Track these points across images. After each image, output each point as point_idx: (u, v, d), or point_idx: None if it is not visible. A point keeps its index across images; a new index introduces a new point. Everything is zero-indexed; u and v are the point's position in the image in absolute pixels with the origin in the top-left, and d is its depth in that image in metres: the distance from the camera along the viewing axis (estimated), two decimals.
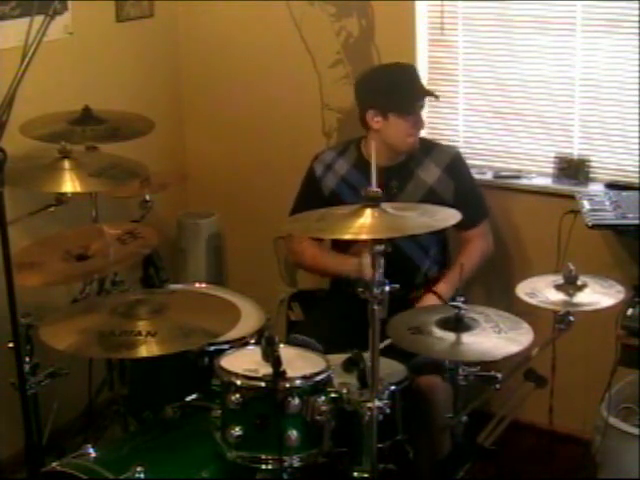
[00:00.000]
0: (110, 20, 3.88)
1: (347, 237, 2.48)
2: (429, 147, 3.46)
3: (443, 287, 3.30)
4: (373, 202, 2.47)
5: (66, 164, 2.95)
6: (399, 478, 2.77)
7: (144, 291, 2.96)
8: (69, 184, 2.92)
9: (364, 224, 2.44)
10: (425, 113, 3.76)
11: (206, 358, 2.79)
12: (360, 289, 2.47)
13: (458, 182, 3.41)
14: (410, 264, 3.36)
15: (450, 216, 2.63)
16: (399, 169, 3.38)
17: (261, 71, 4.07)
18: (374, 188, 2.50)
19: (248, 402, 2.53)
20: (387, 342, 2.68)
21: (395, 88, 3.33)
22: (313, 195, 3.44)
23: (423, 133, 3.74)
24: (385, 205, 2.51)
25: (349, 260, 3.27)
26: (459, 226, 3.23)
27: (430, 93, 3.39)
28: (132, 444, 2.78)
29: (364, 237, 2.47)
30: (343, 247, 3.40)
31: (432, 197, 3.31)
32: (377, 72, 3.47)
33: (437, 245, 3.42)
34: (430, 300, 3.26)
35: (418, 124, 3.35)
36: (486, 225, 3.48)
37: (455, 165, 3.43)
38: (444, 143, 3.62)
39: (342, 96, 3.81)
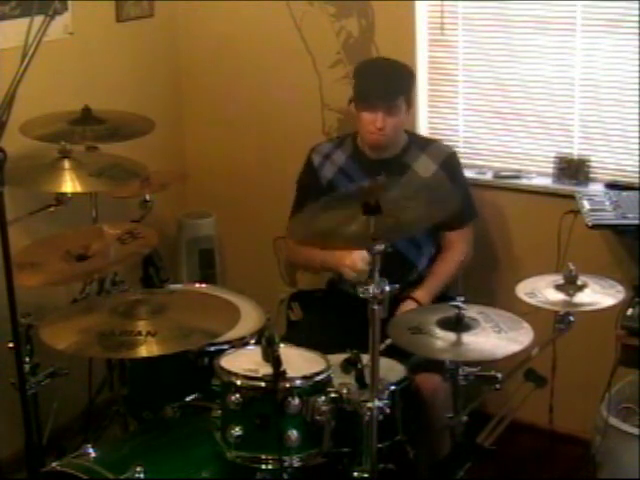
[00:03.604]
0: (110, 20, 3.88)
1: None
2: (425, 143, 3.47)
3: (423, 294, 3.29)
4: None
5: (66, 164, 2.95)
6: (399, 478, 2.77)
7: (144, 291, 2.95)
8: (69, 184, 2.92)
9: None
10: (425, 113, 3.79)
11: (206, 358, 2.79)
12: (360, 289, 2.47)
13: (451, 180, 3.40)
14: (405, 262, 3.35)
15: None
16: (393, 162, 3.38)
17: (261, 71, 4.07)
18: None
19: (248, 402, 2.53)
20: (388, 342, 2.68)
21: (357, 82, 3.37)
22: (312, 185, 3.44)
23: (422, 131, 3.76)
24: None
25: (334, 254, 3.25)
26: (444, 227, 3.23)
27: (374, 94, 3.27)
28: (132, 444, 2.78)
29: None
30: None
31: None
32: (363, 63, 3.51)
33: (431, 243, 3.41)
34: (410, 306, 3.22)
35: (377, 124, 3.27)
36: (470, 229, 3.46)
37: (450, 163, 3.43)
38: (441, 141, 3.62)
39: (342, 96, 3.80)
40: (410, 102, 3.37)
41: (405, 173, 3.37)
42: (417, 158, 3.40)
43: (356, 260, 3.06)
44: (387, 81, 3.34)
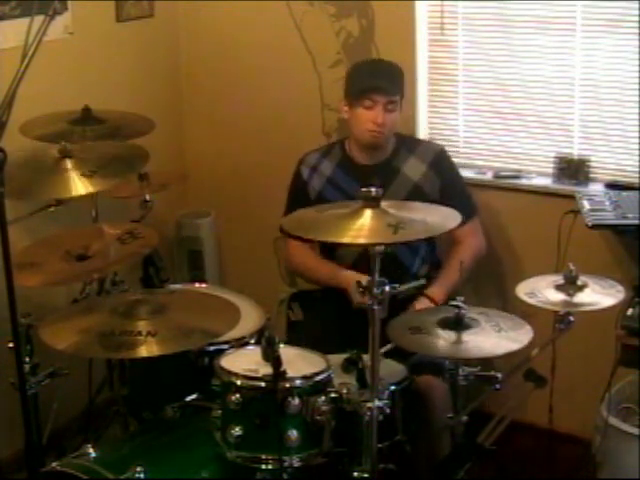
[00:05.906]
0: (110, 20, 3.88)
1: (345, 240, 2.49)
2: (413, 144, 3.47)
3: (437, 290, 3.28)
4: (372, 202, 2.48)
5: (67, 164, 2.93)
6: (399, 478, 2.77)
7: (144, 291, 2.95)
8: (71, 188, 2.88)
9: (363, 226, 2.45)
10: (425, 113, 3.79)
11: (206, 358, 2.79)
12: (360, 289, 2.47)
13: (444, 178, 3.41)
14: (398, 264, 3.34)
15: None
16: (383, 166, 3.38)
17: (261, 71, 4.06)
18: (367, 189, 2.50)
19: (248, 402, 2.53)
20: (388, 347, 2.68)
21: (351, 78, 3.37)
22: (301, 199, 3.42)
23: (421, 133, 3.76)
24: (385, 206, 2.51)
25: (341, 273, 3.28)
26: None
27: (376, 88, 3.27)
28: (132, 444, 2.79)
29: (362, 241, 2.47)
30: (331, 249, 3.40)
31: (417, 194, 3.31)
32: (358, 63, 3.50)
33: (426, 244, 3.41)
34: (424, 304, 3.22)
35: (378, 119, 3.28)
36: (476, 222, 3.46)
37: (440, 161, 3.44)
38: (428, 140, 3.62)
39: (342, 96, 3.80)
40: (402, 103, 3.37)
41: (395, 177, 3.37)
42: (406, 160, 3.40)
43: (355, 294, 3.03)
44: (388, 75, 3.36)
